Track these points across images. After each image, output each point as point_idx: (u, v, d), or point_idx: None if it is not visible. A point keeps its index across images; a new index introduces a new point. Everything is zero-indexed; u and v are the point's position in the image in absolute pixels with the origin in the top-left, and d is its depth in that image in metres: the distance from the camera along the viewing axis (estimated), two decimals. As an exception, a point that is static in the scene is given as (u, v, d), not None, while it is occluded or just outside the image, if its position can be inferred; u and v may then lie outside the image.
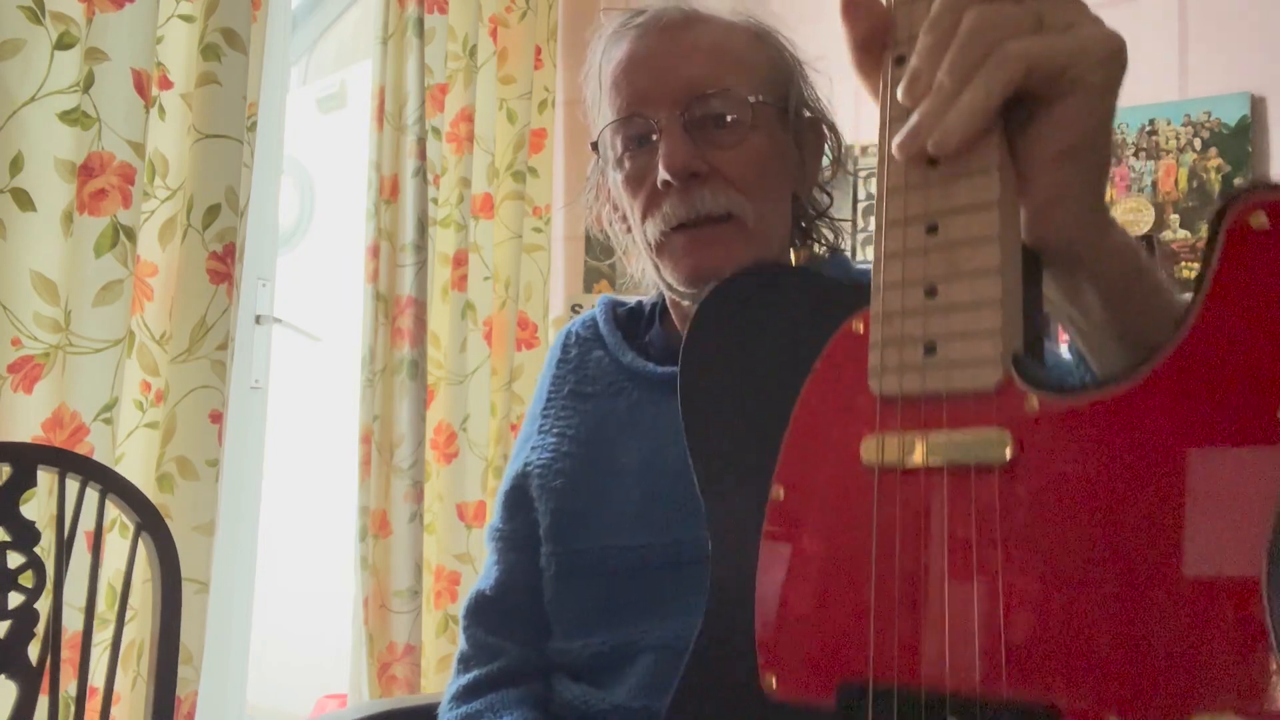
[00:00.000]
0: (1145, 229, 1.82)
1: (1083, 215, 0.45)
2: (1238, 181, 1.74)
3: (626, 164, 0.78)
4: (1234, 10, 1.81)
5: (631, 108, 0.76)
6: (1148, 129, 1.85)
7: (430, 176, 1.99)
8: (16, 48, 1.21)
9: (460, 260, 2.09)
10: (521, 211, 2.28)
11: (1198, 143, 1.81)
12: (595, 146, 0.82)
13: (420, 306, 1.96)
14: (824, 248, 0.85)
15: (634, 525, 0.77)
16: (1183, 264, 1.81)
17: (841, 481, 0.46)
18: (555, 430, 0.85)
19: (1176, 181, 1.83)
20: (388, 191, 1.95)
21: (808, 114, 0.81)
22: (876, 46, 0.49)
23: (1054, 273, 0.47)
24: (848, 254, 0.89)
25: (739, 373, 0.53)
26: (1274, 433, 0.35)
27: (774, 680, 0.46)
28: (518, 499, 0.85)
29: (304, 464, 2.55)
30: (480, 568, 1.05)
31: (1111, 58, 0.44)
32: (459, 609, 0.91)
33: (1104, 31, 0.44)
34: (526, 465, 0.85)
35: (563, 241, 2.44)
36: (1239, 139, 1.78)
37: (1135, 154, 1.86)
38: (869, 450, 0.45)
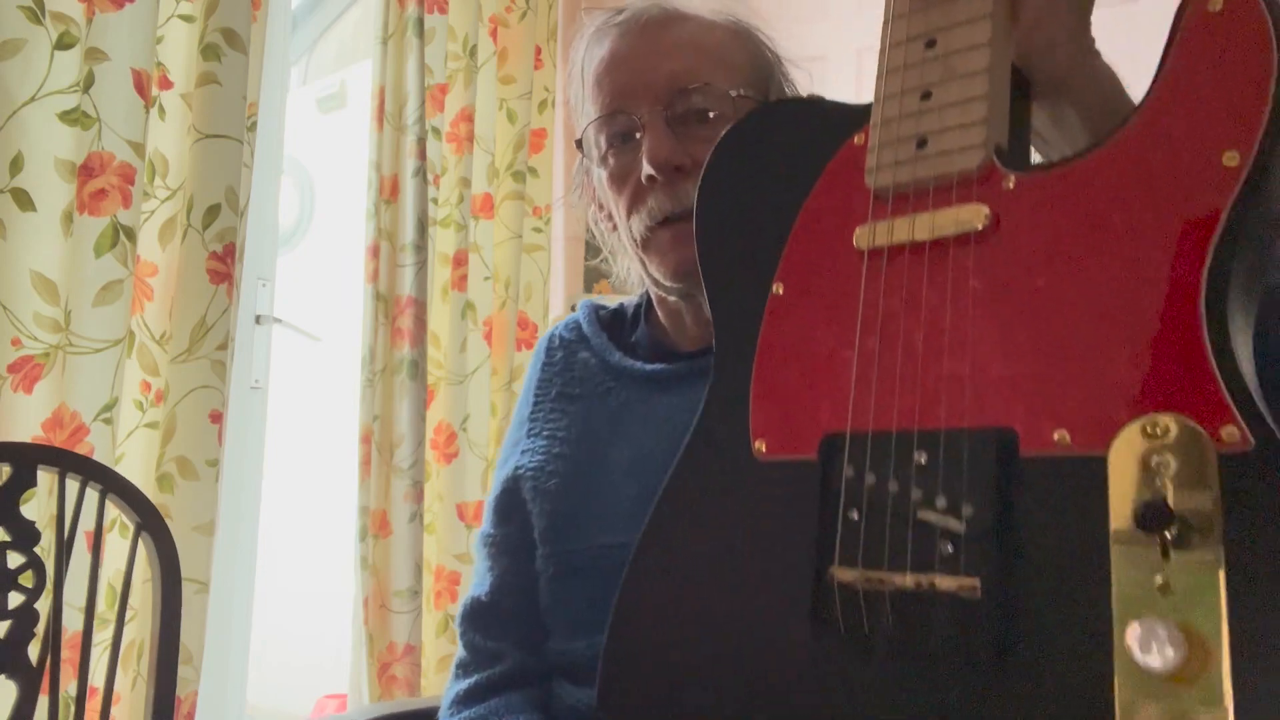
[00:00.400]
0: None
1: (1066, 38, 0.50)
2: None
3: (611, 161, 0.78)
4: (1234, 10, 1.81)
5: (614, 105, 0.77)
6: (1148, 129, 1.85)
7: (430, 176, 1.99)
8: (16, 48, 1.21)
9: (460, 260, 2.09)
10: (521, 211, 2.28)
11: (1198, 142, 1.81)
12: (580, 145, 0.82)
13: (420, 306, 1.96)
14: None
15: (628, 523, 0.76)
16: (1183, 264, 1.81)
17: (835, 271, 0.50)
18: (545, 433, 0.85)
19: (1176, 181, 1.83)
20: (388, 191, 1.95)
21: None
22: None
23: (1041, 100, 0.52)
24: None
25: (749, 196, 0.58)
26: (1219, 174, 0.40)
27: (763, 445, 0.51)
28: (509, 503, 0.85)
29: (304, 464, 2.55)
30: (480, 568, 1.05)
31: None
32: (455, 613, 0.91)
33: None
34: (518, 469, 0.85)
35: (563, 241, 2.44)
36: (1239, 139, 1.78)
37: (1135, 154, 1.86)
38: (860, 237, 0.50)
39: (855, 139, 0.53)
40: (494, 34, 2.24)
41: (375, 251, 1.94)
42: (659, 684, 0.51)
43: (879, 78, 0.52)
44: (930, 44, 0.50)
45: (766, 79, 0.80)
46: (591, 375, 0.86)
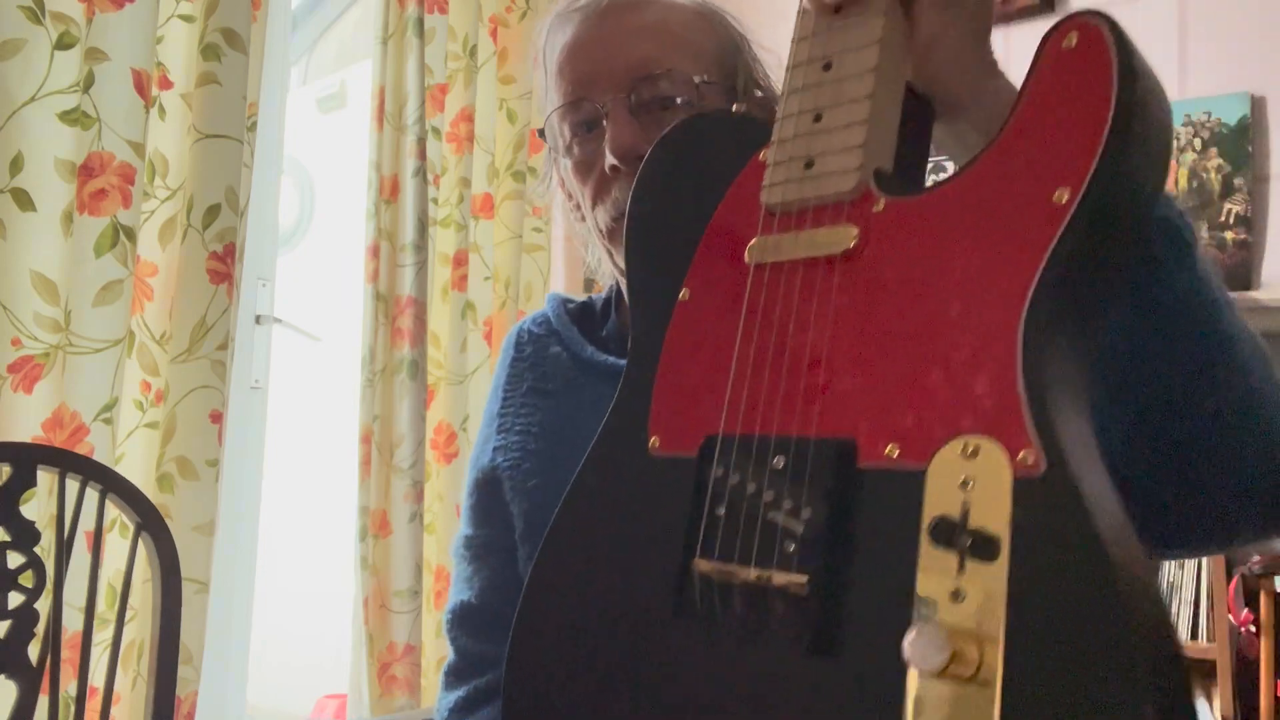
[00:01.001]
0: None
1: (961, 58, 0.51)
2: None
3: (575, 150, 0.77)
4: (1234, 10, 1.81)
5: (577, 93, 0.75)
6: (1148, 129, 1.85)
7: (430, 176, 1.99)
8: (16, 48, 1.21)
9: (460, 260, 2.09)
10: (521, 211, 2.28)
11: (1198, 142, 1.81)
12: (543, 134, 0.81)
13: (420, 306, 1.96)
14: None
15: None
16: (1183, 264, 1.81)
17: (730, 281, 0.54)
18: (518, 428, 0.83)
19: (1176, 181, 1.83)
20: (388, 191, 1.96)
21: (759, 94, 0.80)
22: None
23: (943, 121, 0.53)
24: None
25: (671, 205, 0.62)
26: (1048, 210, 0.42)
27: (657, 441, 0.55)
28: (489, 503, 0.83)
29: (304, 464, 2.55)
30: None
31: None
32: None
33: None
34: (494, 468, 0.82)
35: (563, 241, 2.44)
36: (1239, 139, 1.78)
37: (1135, 154, 1.86)
38: (751, 250, 0.53)
39: (760, 155, 0.55)
40: (494, 34, 2.24)
41: (375, 251, 1.94)
42: (558, 680, 0.55)
43: (782, 97, 0.54)
44: (827, 67, 0.52)
45: (733, 62, 0.79)
46: (563, 370, 0.84)
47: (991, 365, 0.42)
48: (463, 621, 0.84)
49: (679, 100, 0.74)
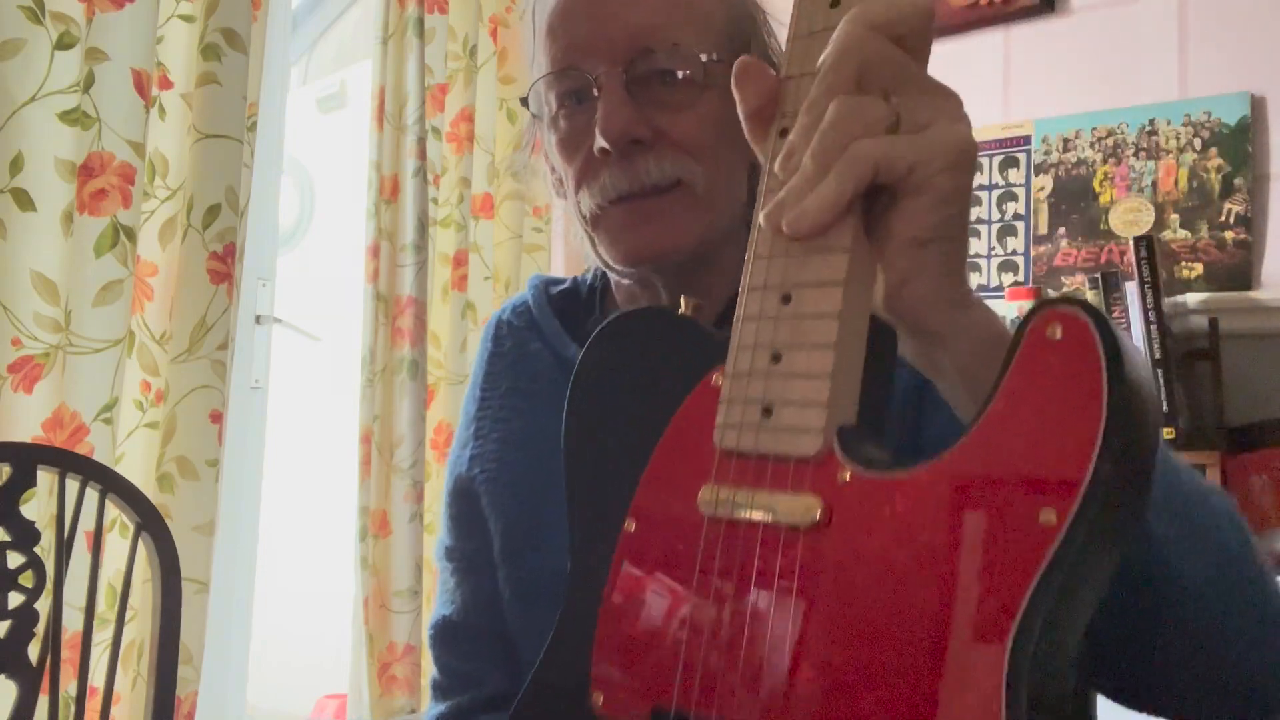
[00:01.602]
0: (1145, 229, 1.82)
1: (935, 294, 0.46)
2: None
3: (562, 124, 0.69)
4: (1234, 10, 1.81)
5: (567, 60, 0.67)
6: (1148, 129, 1.85)
7: (430, 176, 1.99)
8: (16, 48, 1.21)
9: (460, 260, 2.09)
10: (521, 211, 2.28)
11: (1198, 143, 1.81)
12: (526, 102, 0.72)
13: (420, 306, 1.96)
14: None
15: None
16: (1182, 264, 1.81)
17: (680, 523, 0.49)
18: (495, 435, 0.77)
19: (1176, 181, 1.83)
20: (388, 191, 1.96)
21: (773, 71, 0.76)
22: (767, 117, 0.50)
23: (911, 345, 0.49)
24: None
25: (618, 409, 0.57)
26: (1034, 533, 0.38)
27: (601, 698, 0.51)
28: (468, 514, 0.78)
29: (304, 464, 2.55)
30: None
31: (958, 163, 0.44)
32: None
33: (956, 135, 0.44)
34: (471, 479, 0.77)
35: (563, 241, 2.44)
36: (1239, 139, 1.78)
37: (1135, 154, 1.86)
38: (704, 499, 0.48)
39: (714, 378, 0.51)
40: (494, 34, 2.24)
41: (375, 251, 1.94)
42: None
43: (736, 319, 0.49)
44: (786, 299, 0.47)
45: (747, 35, 0.71)
46: (545, 369, 0.77)
47: (974, 695, 0.38)
48: (445, 639, 0.80)
49: (680, 75, 0.66)
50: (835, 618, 0.43)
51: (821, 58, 0.46)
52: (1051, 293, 1.85)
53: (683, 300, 0.56)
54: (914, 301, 0.46)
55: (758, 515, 0.46)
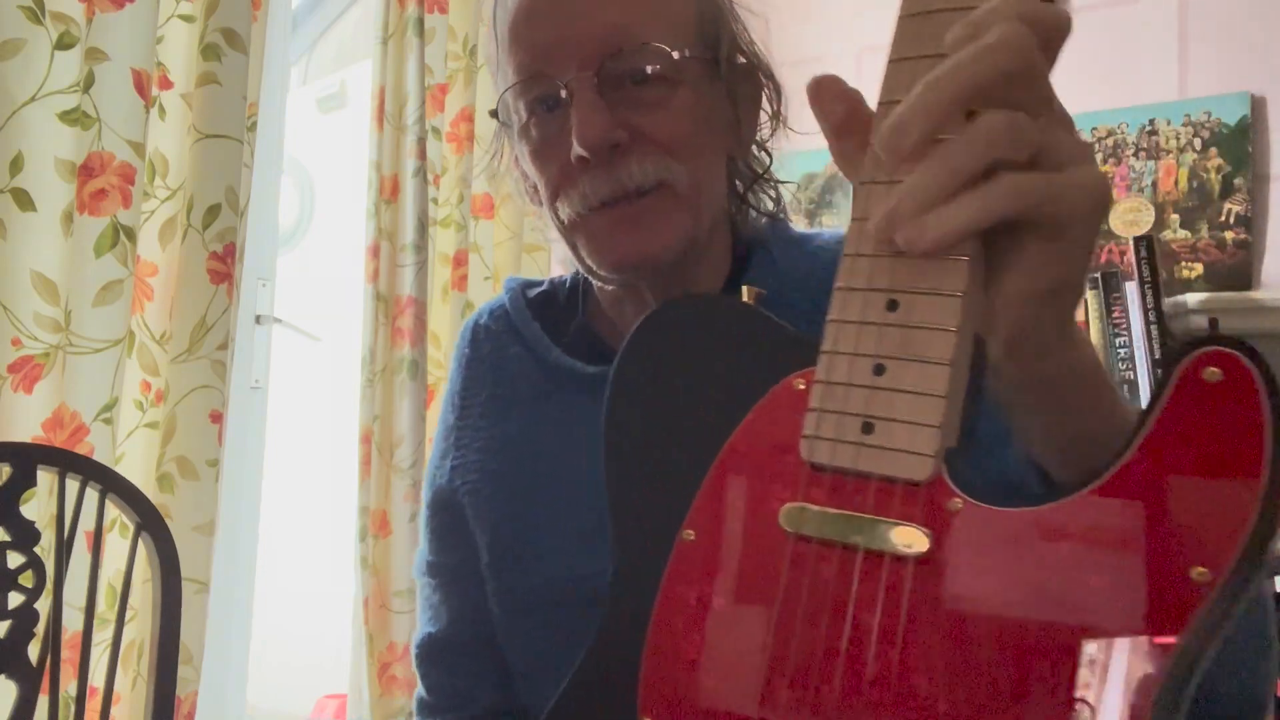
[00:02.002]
0: (1145, 229, 1.82)
1: (1051, 344, 0.43)
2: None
3: (533, 133, 0.66)
4: (1234, 10, 1.81)
5: (533, 66, 0.64)
6: (1148, 129, 1.85)
7: (430, 176, 1.99)
8: (16, 48, 1.21)
9: (460, 260, 2.09)
10: (521, 211, 2.28)
11: (1198, 143, 1.81)
12: (495, 114, 0.70)
13: (420, 306, 1.96)
14: (762, 216, 0.75)
15: (584, 552, 0.66)
16: (1182, 264, 1.81)
17: (755, 538, 0.45)
18: (477, 445, 0.74)
19: (1176, 181, 1.83)
20: (388, 191, 1.96)
21: (741, 60, 0.70)
22: (856, 130, 0.44)
23: (1004, 377, 0.45)
24: (789, 221, 0.78)
25: (669, 404, 0.52)
26: (1185, 591, 0.36)
27: None
28: (451, 528, 0.75)
29: (304, 464, 2.55)
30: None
31: (1097, 209, 0.41)
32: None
33: (1095, 178, 0.40)
34: (453, 490, 0.74)
35: (563, 241, 2.44)
36: (1239, 139, 1.78)
37: (1135, 154, 1.86)
38: (789, 515, 0.44)
39: (795, 382, 0.46)
40: (494, 34, 2.24)
41: (375, 251, 1.94)
42: None
43: (830, 321, 0.44)
44: (892, 305, 0.42)
45: (716, 26, 0.68)
46: (526, 375, 0.74)
47: None
48: (432, 656, 0.78)
49: (653, 70, 0.63)
50: (940, 655, 0.40)
51: (957, 35, 0.39)
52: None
53: (744, 289, 0.52)
54: (1028, 353, 0.43)
55: (857, 540, 0.42)
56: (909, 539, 0.41)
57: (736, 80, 0.69)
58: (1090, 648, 0.37)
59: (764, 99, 0.72)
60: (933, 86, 0.39)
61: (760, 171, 0.74)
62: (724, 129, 0.69)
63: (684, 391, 0.51)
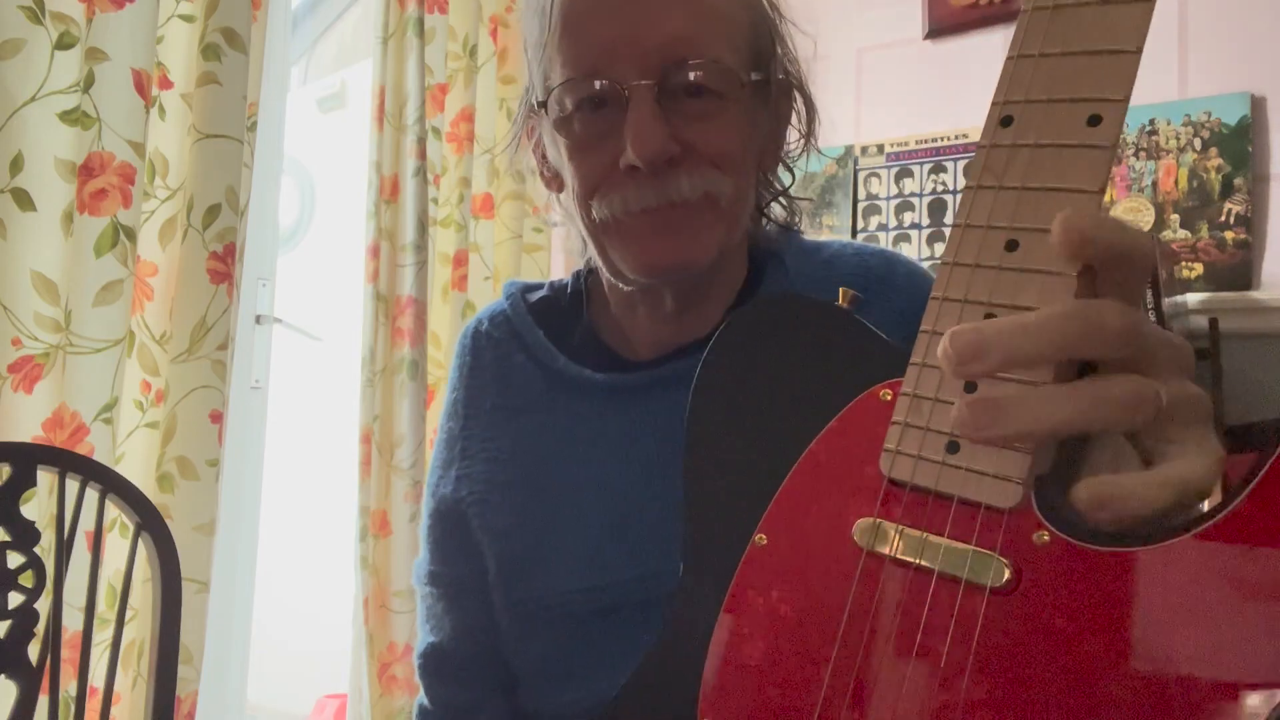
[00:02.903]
0: (1145, 229, 1.82)
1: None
2: None
3: (576, 127, 0.64)
4: (1234, 10, 1.81)
5: (593, 65, 0.62)
6: (1148, 129, 1.85)
7: (430, 176, 1.99)
8: (16, 48, 1.21)
9: (460, 260, 2.09)
10: (521, 211, 2.28)
11: (1198, 143, 1.81)
12: (544, 106, 0.67)
13: (420, 306, 1.96)
14: (776, 225, 0.76)
15: (594, 563, 0.66)
16: (1182, 264, 1.81)
17: (827, 549, 0.44)
18: (484, 455, 0.73)
19: (1176, 181, 1.83)
20: (388, 191, 1.96)
21: (781, 78, 0.70)
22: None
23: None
24: (803, 234, 0.78)
25: (753, 403, 0.51)
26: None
27: None
28: (456, 539, 0.74)
29: (304, 464, 2.55)
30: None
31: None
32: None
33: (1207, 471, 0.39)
34: (458, 501, 0.73)
35: (563, 241, 2.44)
36: (1239, 139, 1.78)
37: (1135, 154, 1.86)
38: (864, 530, 0.43)
39: (881, 393, 0.45)
40: (494, 34, 2.24)
41: (375, 251, 1.94)
42: None
43: (922, 330, 0.42)
44: (990, 319, 0.40)
45: (769, 46, 0.67)
46: (531, 384, 0.73)
47: None
48: (436, 668, 0.78)
49: (712, 88, 0.62)
50: (1010, 696, 0.38)
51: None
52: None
53: (841, 292, 0.51)
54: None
55: (933, 564, 0.40)
56: (988, 568, 0.39)
57: (775, 95, 0.69)
58: (1188, 706, 0.35)
59: (794, 116, 0.72)
60: (1027, 333, 0.37)
61: (783, 187, 0.75)
62: (760, 146, 0.69)
63: (769, 392, 0.50)
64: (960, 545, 0.40)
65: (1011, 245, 0.41)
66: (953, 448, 0.41)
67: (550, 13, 0.64)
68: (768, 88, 0.67)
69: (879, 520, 0.42)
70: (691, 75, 0.62)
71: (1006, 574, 0.39)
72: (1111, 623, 0.37)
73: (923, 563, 0.41)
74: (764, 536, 0.47)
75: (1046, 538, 0.39)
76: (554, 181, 0.72)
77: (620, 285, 0.70)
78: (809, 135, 0.73)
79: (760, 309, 0.53)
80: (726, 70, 0.63)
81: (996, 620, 0.39)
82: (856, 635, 0.42)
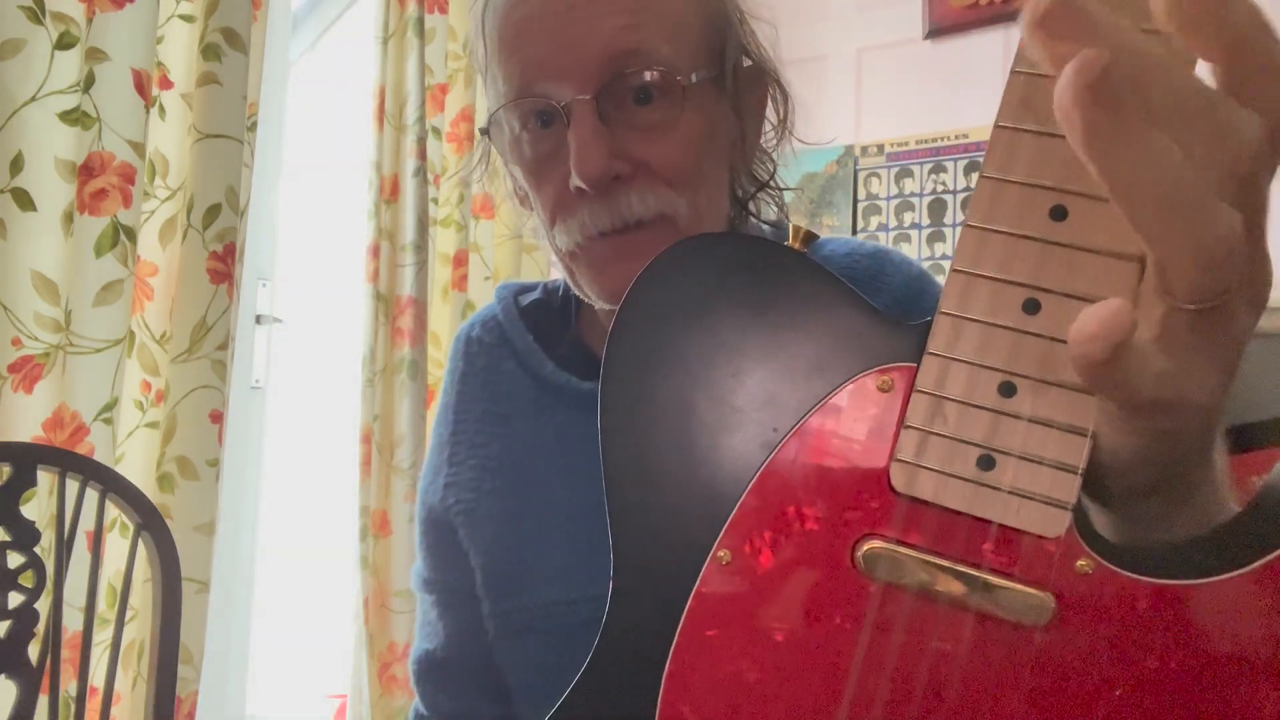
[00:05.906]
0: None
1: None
2: None
3: (527, 150, 0.62)
4: (1234, 10, 1.81)
5: (528, 83, 0.59)
6: (1148, 129, 1.85)
7: (430, 176, 1.99)
8: (17, 48, 1.21)
9: (460, 260, 2.09)
10: (521, 212, 2.28)
11: (1198, 143, 1.81)
12: (486, 132, 0.66)
13: (420, 306, 1.96)
14: (764, 223, 0.72)
15: (578, 574, 0.65)
16: (1183, 264, 1.80)
17: (822, 575, 0.36)
18: (472, 462, 0.72)
19: (1177, 181, 1.83)
20: (388, 191, 1.96)
21: (747, 62, 0.65)
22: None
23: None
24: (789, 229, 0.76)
25: (679, 383, 0.40)
26: None
27: None
28: (446, 546, 0.73)
29: (304, 464, 2.55)
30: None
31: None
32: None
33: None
34: (446, 509, 0.72)
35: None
36: (1239, 139, 1.78)
37: (1135, 154, 1.86)
38: (874, 558, 0.35)
39: (877, 380, 0.37)
40: (494, 34, 2.24)
41: (375, 251, 1.94)
42: None
43: (941, 311, 0.34)
44: (1033, 307, 0.33)
45: (723, 38, 0.62)
46: (521, 390, 0.72)
47: None
48: (431, 676, 0.76)
49: (659, 93, 0.58)
50: None
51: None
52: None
53: (792, 228, 0.43)
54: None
55: (965, 598, 0.34)
56: (1033, 605, 0.34)
57: (742, 89, 0.65)
58: None
59: (770, 104, 0.69)
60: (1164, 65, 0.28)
61: (764, 179, 0.71)
62: (728, 145, 0.65)
63: (700, 366, 0.39)
64: (999, 579, 0.34)
65: (1058, 213, 0.33)
66: (986, 462, 0.34)
67: (486, 32, 0.62)
68: (723, 82, 0.63)
69: (894, 546, 0.35)
70: (634, 83, 0.58)
71: (1052, 610, 0.33)
72: (1167, 665, 0.33)
73: (958, 600, 0.34)
74: (727, 553, 0.38)
75: (1089, 567, 0.33)
76: (526, 201, 0.70)
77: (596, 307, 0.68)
78: (783, 124, 0.68)
79: (674, 258, 0.40)
80: (672, 72, 0.58)
81: (1040, 661, 0.34)
82: (874, 679, 0.35)
